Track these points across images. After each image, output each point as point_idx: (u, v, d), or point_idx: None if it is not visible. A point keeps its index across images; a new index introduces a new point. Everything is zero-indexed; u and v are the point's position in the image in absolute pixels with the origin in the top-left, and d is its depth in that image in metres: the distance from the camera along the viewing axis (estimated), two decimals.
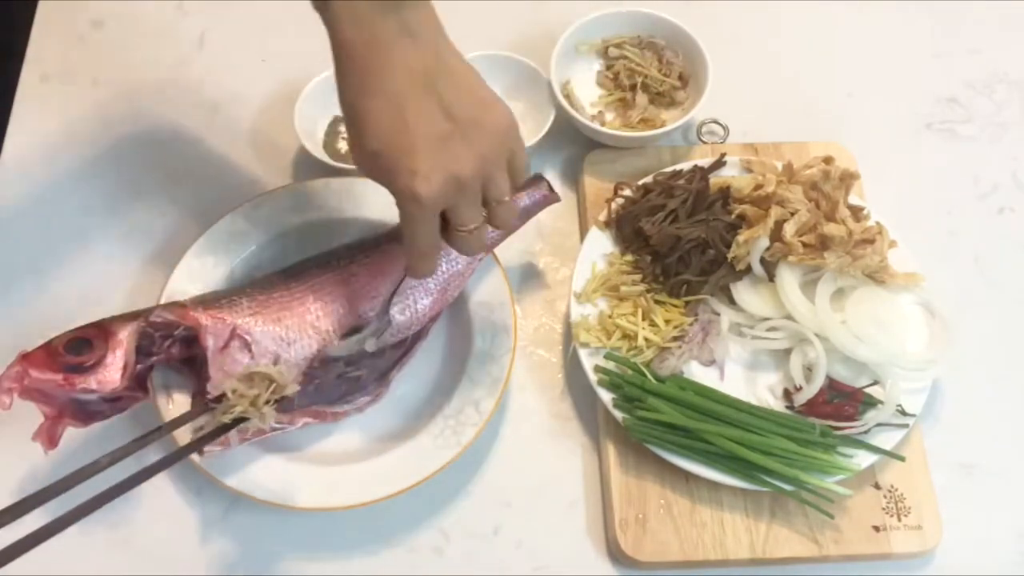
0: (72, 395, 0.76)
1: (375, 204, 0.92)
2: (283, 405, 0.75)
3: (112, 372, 0.75)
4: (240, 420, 0.73)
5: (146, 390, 0.81)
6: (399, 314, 0.85)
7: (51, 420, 0.76)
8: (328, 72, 0.99)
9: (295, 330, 0.82)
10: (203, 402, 0.75)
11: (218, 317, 0.81)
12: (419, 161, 0.67)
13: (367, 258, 0.88)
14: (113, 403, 0.79)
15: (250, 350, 0.80)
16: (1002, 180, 1.04)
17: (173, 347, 0.80)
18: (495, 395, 0.85)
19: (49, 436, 0.75)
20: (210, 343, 0.79)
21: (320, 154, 0.97)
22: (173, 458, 0.71)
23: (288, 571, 0.83)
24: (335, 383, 0.83)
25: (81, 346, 0.75)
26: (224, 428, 0.73)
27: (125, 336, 0.77)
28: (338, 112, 1.01)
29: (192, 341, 0.80)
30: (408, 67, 0.67)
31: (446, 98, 0.68)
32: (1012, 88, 1.10)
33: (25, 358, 0.74)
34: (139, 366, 0.78)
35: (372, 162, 0.70)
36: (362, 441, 0.86)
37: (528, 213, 0.91)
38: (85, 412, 0.78)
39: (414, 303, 0.86)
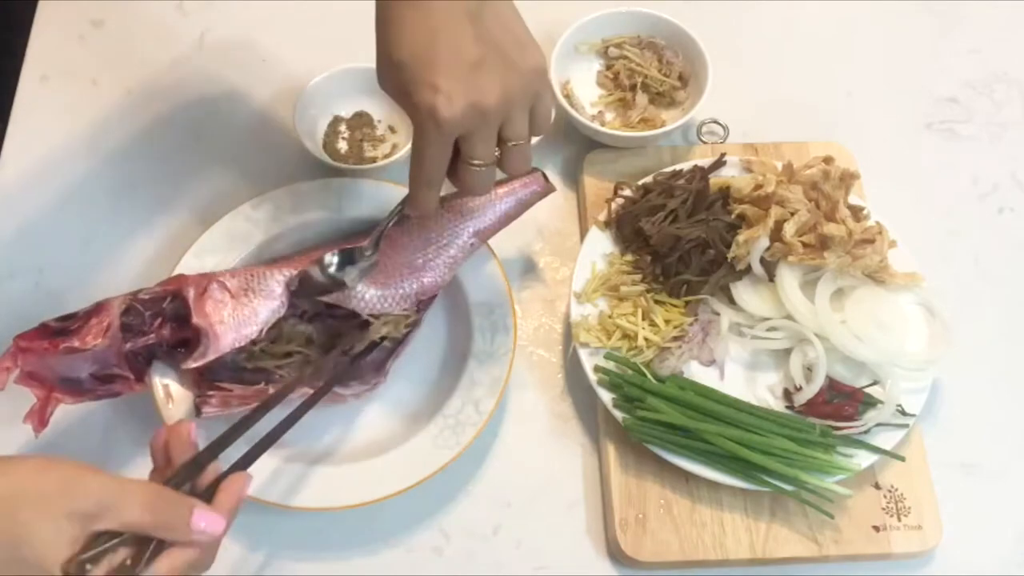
0: (61, 370, 0.79)
1: (375, 204, 0.92)
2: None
3: (94, 331, 0.78)
4: (383, 338, 0.86)
5: (139, 375, 0.82)
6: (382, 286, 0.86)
7: (41, 402, 0.79)
8: (328, 72, 1.00)
9: (265, 270, 0.85)
10: (359, 323, 0.85)
11: (197, 275, 0.84)
12: (443, 79, 0.66)
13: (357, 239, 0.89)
14: (104, 383, 0.81)
15: (228, 289, 0.82)
16: (1002, 180, 1.04)
17: (164, 327, 0.81)
18: (495, 395, 0.85)
19: (39, 417, 0.79)
20: (191, 293, 0.81)
21: (320, 154, 0.97)
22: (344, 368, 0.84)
23: (288, 571, 0.83)
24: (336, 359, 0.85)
25: (70, 317, 0.80)
26: (373, 345, 0.86)
27: (110, 305, 0.80)
28: (338, 112, 1.02)
29: (183, 321, 0.81)
30: None
31: (482, 25, 0.67)
32: (1012, 88, 1.10)
33: (19, 336, 0.78)
34: (128, 344, 0.80)
35: (394, 74, 0.68)
36: (362, 441, 0.86)
37: (525, 204, 0.90)
38: (75, 388, 0.80)
39: (400, 280, 0.86)
